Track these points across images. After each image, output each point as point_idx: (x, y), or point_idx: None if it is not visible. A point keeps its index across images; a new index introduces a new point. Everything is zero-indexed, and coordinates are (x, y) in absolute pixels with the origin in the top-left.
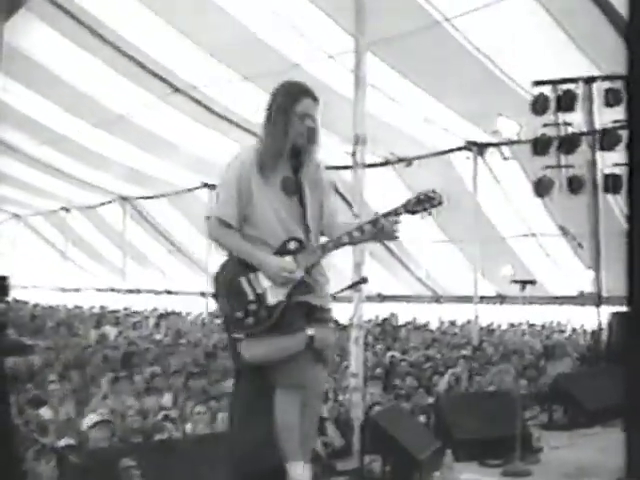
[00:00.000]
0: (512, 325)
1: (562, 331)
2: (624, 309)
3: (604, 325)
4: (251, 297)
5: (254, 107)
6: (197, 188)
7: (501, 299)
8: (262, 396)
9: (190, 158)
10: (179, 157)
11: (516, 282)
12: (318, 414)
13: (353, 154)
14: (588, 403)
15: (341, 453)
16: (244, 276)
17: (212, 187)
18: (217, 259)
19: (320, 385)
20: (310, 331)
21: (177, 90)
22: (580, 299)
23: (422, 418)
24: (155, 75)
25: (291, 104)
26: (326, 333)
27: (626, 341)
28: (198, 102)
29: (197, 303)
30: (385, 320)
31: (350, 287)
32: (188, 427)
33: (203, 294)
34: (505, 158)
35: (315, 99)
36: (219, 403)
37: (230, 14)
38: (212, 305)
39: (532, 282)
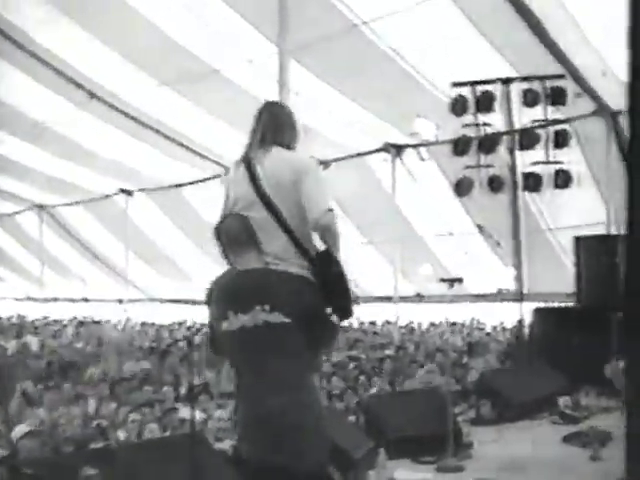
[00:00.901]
0: (432, 324)
1: (481, 329)
2: (545, 305)
3: (525, 320)
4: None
5: (172, 113)
6: (115, 194)
7: (420, 298)
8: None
9: (109, 165)
10: (98, 164)
11: (444, 281)
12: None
13: None
14: (514, 397)
15: None
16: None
17: (129, 193)
18: (136, 265)
19: None
20: None
21: (95, 97)
22: (499, 296)
23: (352, 418)
24: (73, 83)
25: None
26: None
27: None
28: (117, 109)
29: (115, 310)
30: None
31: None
32: (120, 435)
33: (120, 301)
34: (422, 159)
35: None
36: (152, 410)
37: (149, 19)
38: (131, 311)
39: (459, 280)
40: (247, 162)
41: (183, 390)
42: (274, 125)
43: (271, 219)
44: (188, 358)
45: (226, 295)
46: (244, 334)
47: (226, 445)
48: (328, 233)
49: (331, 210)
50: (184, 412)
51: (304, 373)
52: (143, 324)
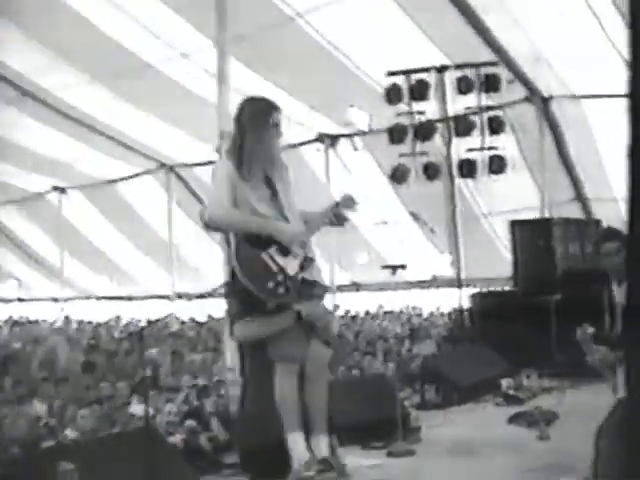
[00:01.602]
0: (368, 313)
1: (419, 315)
2: (483, 290)
3: (463, 305)
4: (275, 269)
5: (106, 108)
6: (48, 192)
7: (356, 287)
8: (265, 373)
9: (41, 162)
10: (30, 162)
11: (387, 267)
12: (323, 387)
13: (218, 150)
14: (458, 381)
15: (226, 447)
16: (264, 251)
17: (62, 190)
18: (71, 263)
19: (320, 358)
20: (297, 307)
21: (26, 93)
22: (434, 283)
23: None
24: (2, 78)
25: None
26: (313, 307)
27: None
28: (47, 105)
29: (51, 309)
30: None
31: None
32: (69, 433)
33: (56, 300)
34: (356, 149)
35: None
36: (101, 407)
37: (81, 15)
38: (68, 310)
39: (403, 267)
40: None
41: (130, 386)
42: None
43: None
44: (139, 353)
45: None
46: None
47: (177, 439)
48: (216, 226)
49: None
50: (133, 408)
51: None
52: (80, 322)
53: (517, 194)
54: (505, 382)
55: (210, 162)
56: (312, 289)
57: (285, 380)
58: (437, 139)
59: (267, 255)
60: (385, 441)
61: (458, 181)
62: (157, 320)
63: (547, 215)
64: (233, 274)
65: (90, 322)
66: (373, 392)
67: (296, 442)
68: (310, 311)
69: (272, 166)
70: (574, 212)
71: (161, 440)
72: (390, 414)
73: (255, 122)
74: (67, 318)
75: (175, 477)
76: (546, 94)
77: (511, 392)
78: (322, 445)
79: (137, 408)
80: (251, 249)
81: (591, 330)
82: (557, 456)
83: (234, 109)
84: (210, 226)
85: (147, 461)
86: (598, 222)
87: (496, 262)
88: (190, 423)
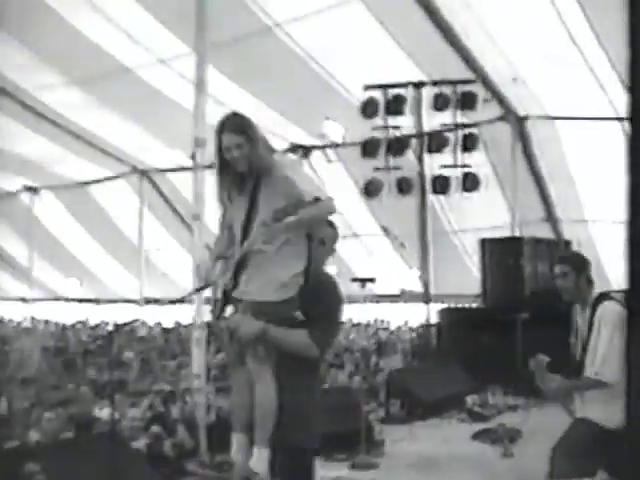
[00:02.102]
0: None
1: (386, 329)
2: (451, 306)
3: (431, 321)
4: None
5: (82, 111)
6: (19, 192)
7: None
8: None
9: (14, 161)
10: (2, 160)
11: (356, 280)
12: (259, 397)
13: (193, 157)
14: (423, 396)
15: (190, 453)
16: None
17: (34, 190)
18: (40, 264)
19: (249, 371)
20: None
21: (3, 92)
22: (402, 297)
23: None
24: None
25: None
26: (235, 320)
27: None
28: (24, 105)
29: (19, 309)
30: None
31: None
32: (33, 435)
33: (24, 300)
34: (329, 161)
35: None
36: (65, 409)
37: (61, 16)
38: (36, 311)
39: (372, 280)
40: None
41: (96, 389)
42: None
43: None
44: (108, 356)
45: None
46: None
47: (141, 444)
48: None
49: None
50: (97, 412)
51: None
52: (47, 323)
53: (488, 212)
54: (470, 399)
55: (184, 168)
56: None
57: (235, 383)
58: (411, 154)
59: None
60: (348, 453)
61: (430, 197)
62: (125, 324)
63: (517, 234)
64: None
65: (57, 324)
66: (338, 404)
67: (233, 443)
68: (231, 323)
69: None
70: (544, 232)
71: (125, 445)
72: (354, 427)
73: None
74: (34, 319)
75: None
76: (521, 114)
77: (476, 409)
78: (255, 459)
79: (102, 412)
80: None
81: (545, 359)
82: (520, 473)
83: (211, 117)
84: None
85: (111, 465)
86: (568, 243)
87: (465, 279)
88: (154, 429)
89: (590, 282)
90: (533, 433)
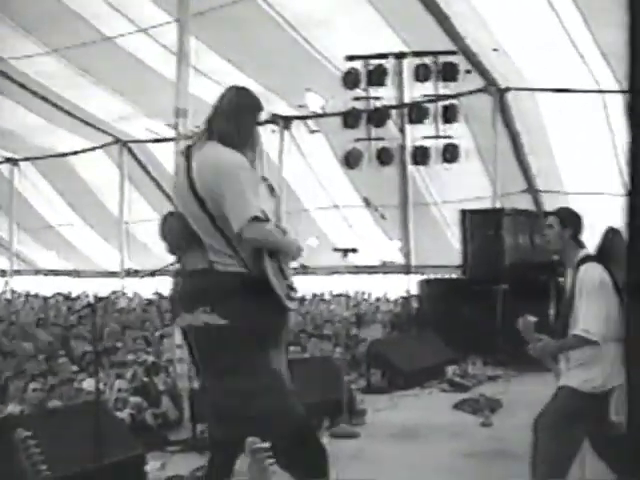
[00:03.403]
0: (316, 295)
1: (366, 300)
2: (431, 277)
3: (411, 292)
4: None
5: (62, 80)
6: (0, 163)
7: (305, 270)
8: None
9: None
10: None
11: (338, 250)
12: None
13: (175, 127)
14: (404, 366)
15: (173, 423)
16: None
17: (14, 162)
18: (21, 236)
19: None
20: None
21: None
22: (382, 269)
23: None
24: None
25: (256, 113)
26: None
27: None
28: (3, 74)
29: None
30: None
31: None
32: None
33: (3, 272)
34: (312, 131)
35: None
36: (46, 380)
37: None
38: (15, 283)
39: (354, 250)
40: (187, 155)
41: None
42: (222, 115)
43: (206, 217)
44: (92, 328)
45: (177, 295)
46: (191, 332)
47: (125, 414)
48: (256, 244)
49: (254, 219)
50: (83, 382)
51: (251, 370)
52: (27, 295)
53: (469, 183)
54: (450, 369)
55: (165, 139)
56: None
57: None
58: (392, 125)
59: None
60: (330, 422)
61: (411, 168)
62: (106, 297)
63: (498, 205)
64: None
65: (37, 296)
66: (319, 374)
67: None
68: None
69: (260, 159)
70: (525, 204)
71: (109, 415)
72: (335, 396)
73: (252, 113)
74: (14, 292)
75: (122, 451)
76: (502, 85)
77: (456, 379)
78: None
79: (86, 383)
80: (268, 263)
81: (533, 319)
82: (499, 442)
83: (193, 87)
84: (250, 242)
85: (95, 434)
86: (548, 214)
87: (445, 250)
88: (136, 399)
89: (578, 242)
90: (513, 403)
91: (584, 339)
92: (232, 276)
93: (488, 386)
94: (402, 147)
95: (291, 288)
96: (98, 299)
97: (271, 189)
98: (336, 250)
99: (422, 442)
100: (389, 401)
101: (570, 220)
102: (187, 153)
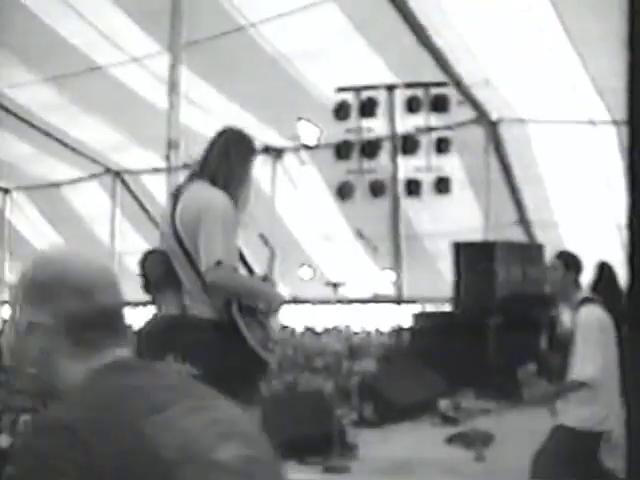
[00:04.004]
0: (309, 328)
1: (358, 332)
2: (424, 310)
3: (403, 325)
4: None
5: (54, 109)
6: None
7: (296, 301)
8: None
9: None
10: None
11: (328, 284)
12: None
13: (167, 158)
14: (396, 400)
15: None
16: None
17: (6, 191)
18: (12, 265)
19: None
20: None
21: None
22: (374, 301)
23: None
24: None
25: (251, 156)
26: None
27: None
28: None
29: None
30: None
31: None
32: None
33: None
34: (303, 163)
35: None
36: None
37: (33, 12)
38: (4, 312)
39: (342, 284)
40: (175, 194)
41: None
42: (216, 156)
43: (184, 257)
44: None
45: (147, 341)
46: None
47: None
48: (218, 289)
49: (219, 263)
50: None
51: None
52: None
53: (461, 215)
54: (443, 402)
55: (157, 170)
56: None
57: None
58: (384, 157)
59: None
60: (321, 457)
61: (403, 200)
62: None
63: (491, 237)
64: None
65: None
66: (310, 407)
67: None
68: None
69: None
70: (517, 235)
71: None
72: (326, 430)
73: (247, 157)
74: (5, 321)
75: None
76: (494, 117)
77: (449, 413)
78: None
79: None
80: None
81: (533, 368)
82: (492, 477)
83: (183, 117)
84: (213, 287)
85: None
86: (540, 246)
87: (438, 282)
88: None
89: (577, 284)
90: (505, 437)
91: (582, 383)
92: (205, 323)
93: (480, 420)
94: (394, 179)
95: (269, 339)
96: None
97: (265, 242)
98: (328, 284)
99: (414, 477)
100: (381, 435)
101: (573, 264)
102: (176, 192)
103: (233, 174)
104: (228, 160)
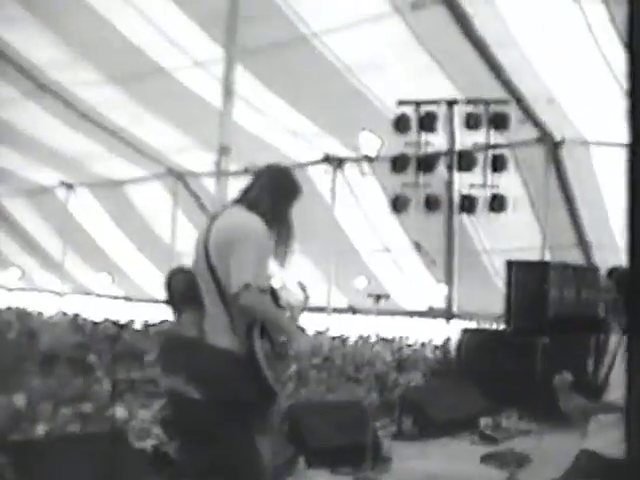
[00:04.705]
0: (362, 337)
1: (411, 345)
2: (473, 325)
3: (452, 340)
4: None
5: (119, 109)
6: (55, 187)
7: (353, 311)
8: None
9: (51, 156)
10: (40, 154)
11: (371, 295)
12: None
13: (218, 163)
14: (436, 415)
15: None
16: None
17: (70, 186)
18: (72, 258)
19: None
20: None
21: (41, 87)
22: (430, 314)
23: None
24: (21, 70)
25: (293, 197)
26: None
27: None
28: (63, 100)
29: (50, 302)
30: None
31: None
32: (40, 428)
33: (56, 293)
34: (364, 174)
35: None
36: (79, 406)
37: (101, 14)
38: (66, 304)
39: (386, 296)
40: (213, 217)
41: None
42: (256, 188)
43: (212, 282)
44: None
45: (161, 357)
46: (170, 396)
47: (147, 444)
48: (246, 312)
49: (248, 285)
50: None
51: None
52: (76, 317)
53: (521, 233)
54: (484, 421)
55: (220, 173)
56: None
57: None
58: (440, 172)
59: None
60: (354, 468)
61: (462, 216)
62: (153, 324)
63: (548, 257)
64: None
65: (86, 320)
66: (347, 418)
67: None
68: None
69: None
70: (575, 256)
71: (126, 444)
72: (361, 441)
73: (289, 196)
74: (65, 314)
75: None
76: (557, 137)
77: (488, 431)
78: None
79: (118, 410)
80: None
81: (569, 378)
82: None
83: (246, 123)
84: (242, 311)
85: (109, 463)
86: (596, 269)
87: (493, 299)
88: (157, 431)
89: None
90: (542, 459)
91: (615, 405)
92: (220, 353)
93: (519, 440)
94: (450, 194)
95: (285, 371)
96: (145, 326)
97: (302, 288)
98: (370, 295)
99: None
100: (417, 449)
101: (625, 282)
102: (213, 216)
103: (272, 208)
104: (270, 195)
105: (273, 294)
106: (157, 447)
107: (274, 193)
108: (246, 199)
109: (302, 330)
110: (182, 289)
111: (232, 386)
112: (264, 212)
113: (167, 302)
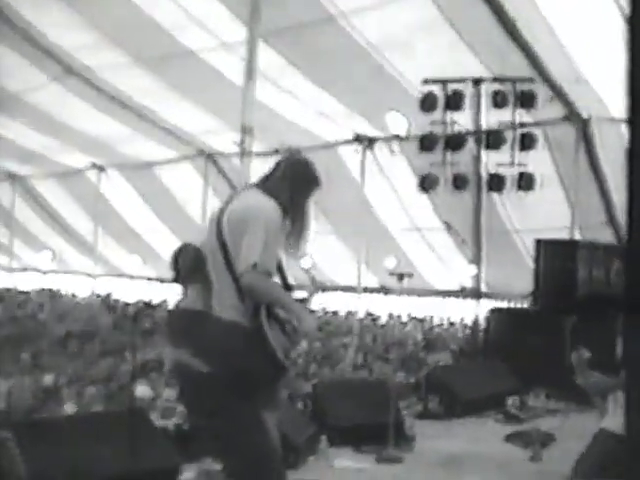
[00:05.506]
0: (392, 317)
1: (441, 324)
2: (502, 305)
3: (481, 319)
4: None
5: (147, 91)
6: (87, 169)
7: (384, 290)
8: None
9: (82, 139)
10: (71, 138)
11: (394, 274)
12: None
13: (241, 143)
14: (462, 394)
15: None
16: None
17: (101, 169)
18: (104, 240)
19: None
20: None
21: (70, 71)
22: (461, 293)
23: (300, 405)
24: (49, 54)
25: (311, 188)
26: None
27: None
28: (91, 83)
29: (83, 284)
30: None
31: None
32: (67, 408)
33: (89, 275)
34: (393, 153)
35: None
36: (107, 385)
37: None
38: (99, 286)
39: (409, 275)
40: (229, 197)
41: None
42: (275, 176)
43: (223, 259)
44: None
45: (167, 328)
46: (176, 369)
47: (170, 423)
48: (249, 294)
49: (255, 266)
50: (139, 389)
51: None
52: (108, 298)
53: (551, 212)
54: (511, 399)
55: (247, 153)
56: None
57: None
58: (467, 150)
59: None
60: (377, 446)
61: (492, 195)
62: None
63: (578, 236)
64: None
65: (117, 301)
66: (370, 397)
67: None
68: None
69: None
70: (606, 236)
71: (147, 422)
72: (384, 420)
73: (307, 187)
74: (98, 295)
75: (157, 459)
76: (585, 115)
77: (513, 410)
78: None
79: (141, 390)
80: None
81: (587, 354)
82: (545, 478)
83: (272, 102)
84: (247, 290)
85: (130, 441)
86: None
87: (523, 278)
88: (180, 409)
89: None
90: (567, 438)
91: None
92: (227, 325)
93: (546, 420)
94: (478, 173)
95: (293, 348)
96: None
97: (312, 280)
98: (392, 274)
99: (466, 472)
100: (442, 428)
101: None
102: (230, 196)
103: (290, 197)
104: (289, 184)
105: (282, 275)
106: (179, 425)
107: (293, 183)
108: (265, 185)
109: (309, 311)
110: (189, 265)
111: (239, 358)
112: (281, 200)
113: (174, 278)
